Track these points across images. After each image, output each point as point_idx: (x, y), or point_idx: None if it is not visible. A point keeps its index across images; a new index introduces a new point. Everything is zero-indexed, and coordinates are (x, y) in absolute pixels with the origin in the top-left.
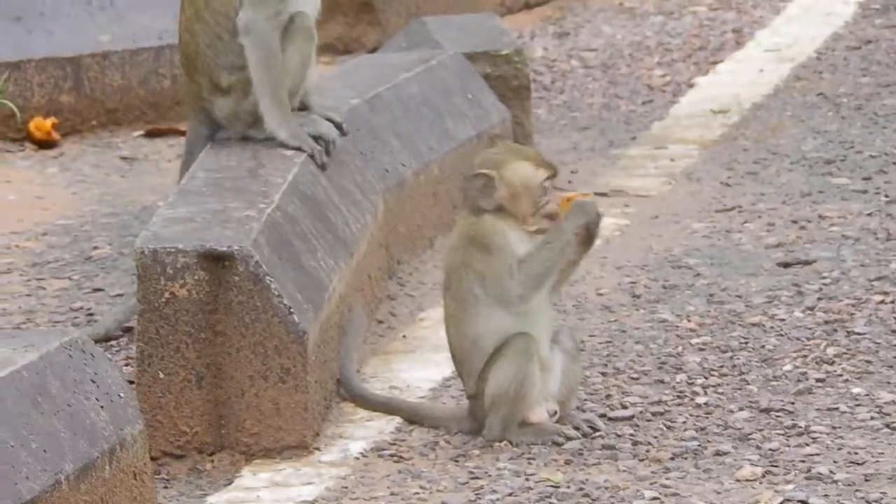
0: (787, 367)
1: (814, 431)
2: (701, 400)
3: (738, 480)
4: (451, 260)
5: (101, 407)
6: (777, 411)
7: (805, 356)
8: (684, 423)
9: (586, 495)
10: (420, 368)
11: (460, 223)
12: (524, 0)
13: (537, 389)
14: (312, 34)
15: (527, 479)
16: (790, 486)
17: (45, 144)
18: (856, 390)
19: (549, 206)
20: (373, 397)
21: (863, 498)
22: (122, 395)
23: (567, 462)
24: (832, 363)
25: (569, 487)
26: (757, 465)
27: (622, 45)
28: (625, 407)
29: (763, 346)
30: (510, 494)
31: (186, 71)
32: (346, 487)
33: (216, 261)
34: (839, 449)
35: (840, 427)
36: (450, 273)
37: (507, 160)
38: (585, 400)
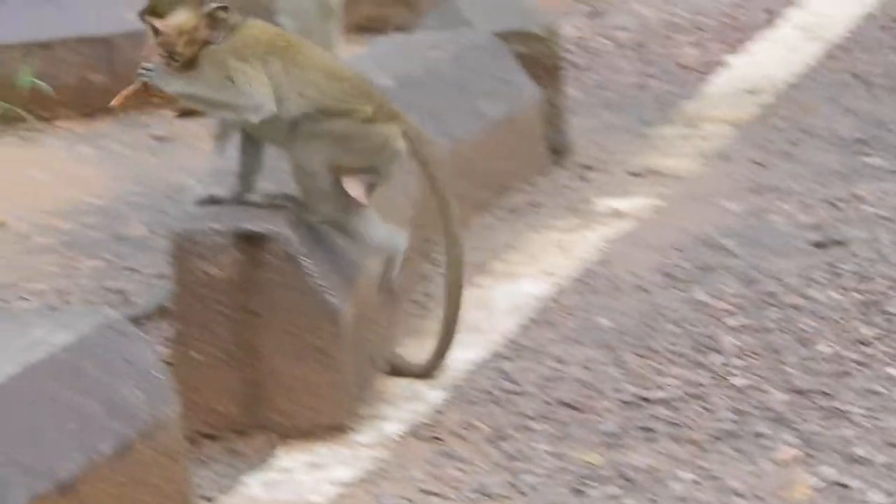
0: (823, 348)
1: (851, 413)
2: (737, 381)
3: (775, 462)
4: None
5: (137, 387)
6: (814, 392)
7: (841, 337)
8: (721, 404)
9: (623, 477)
10: None
11: None
12: None
13: None
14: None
15: (564, 461)
16: (828, 469)
17: None
18: (892, 371)
19: None
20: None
21: None
22: (157, 375)
23: (605, 444)
24: (868, 344)
25: (606, 469)
26: (794, 448)
27: (654, 24)
28: (661, 388)
29: (799, 327)
30: (548, 476)
31: None
32: (384, 469)
33: (251, 241)
34: (877, 431)
35: (877, 409)
36: None
37: None
38: (620, 380)
